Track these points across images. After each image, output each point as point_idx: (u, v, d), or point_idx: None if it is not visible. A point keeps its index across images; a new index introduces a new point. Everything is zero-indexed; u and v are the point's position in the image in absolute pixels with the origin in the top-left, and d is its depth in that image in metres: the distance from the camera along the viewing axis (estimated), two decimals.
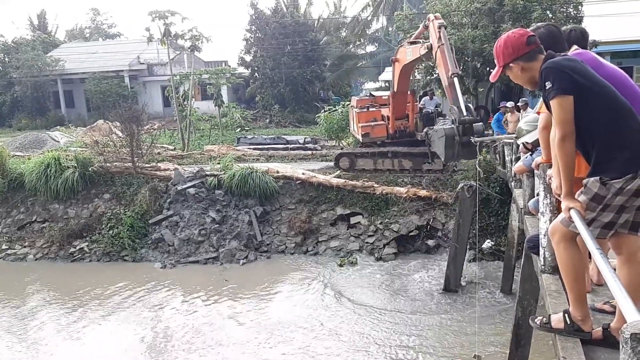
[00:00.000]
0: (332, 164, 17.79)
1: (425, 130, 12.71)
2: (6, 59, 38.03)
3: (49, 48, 40.39)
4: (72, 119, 35.15)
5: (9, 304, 12.68)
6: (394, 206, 14.98)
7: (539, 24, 3.64)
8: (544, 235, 4.28)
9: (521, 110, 14.12)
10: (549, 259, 4.29)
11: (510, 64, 3.23)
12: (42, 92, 36.40)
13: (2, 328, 11.35)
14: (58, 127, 31.58)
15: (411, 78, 16.63)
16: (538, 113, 4.09)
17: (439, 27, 11.98)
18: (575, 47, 3.78)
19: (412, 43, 14.14)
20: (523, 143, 5.28)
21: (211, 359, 9.57)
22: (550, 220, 3.97)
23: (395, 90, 15.70)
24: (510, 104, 14.90)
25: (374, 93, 20.83)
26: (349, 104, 19.21)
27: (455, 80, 11.43)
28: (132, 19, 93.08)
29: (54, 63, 36.26)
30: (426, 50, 12.72)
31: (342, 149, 19.67)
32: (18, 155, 20.60)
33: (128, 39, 47.82)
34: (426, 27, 13.75)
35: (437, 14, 12.95)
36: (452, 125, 11.09)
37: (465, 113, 10.96)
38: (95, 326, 11.21)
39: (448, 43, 12.17)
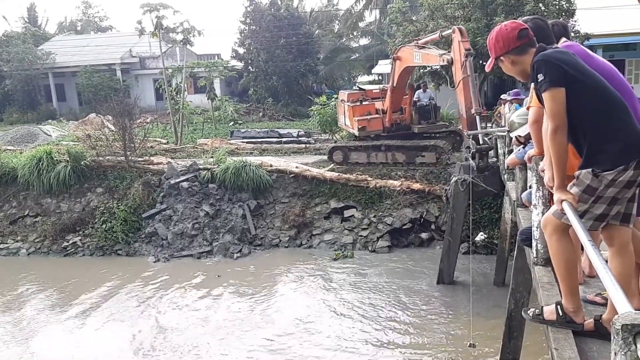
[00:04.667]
0: (325, 157, 17.76)
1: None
2: None
3: (39, 41, 39.99)
4: (64, 113, 34.92)
5: (1, 298, 12.62)
6: (387, 199, 15.00)
7: (526, 17, 3.64)
8: (537, 228, 4.31)
9: (508, 103, 14.04)
10: (542, 251, 4.31)
11: (501, 57, 3.24)
12: (33, 86, 36.08)
13: None
14: (50, 120, 31.42)
15: None
16: (528, 108, 4.10)
17: (467, 55, 12.02)
18: (564, 39, 3.79)
19: (420, 47, 14.05)
20: (516, 136, 5.29)
21: (204, 353, 9.58)
22: (543, 213, 3.99)
23: (394, 85, 15.69)
24: (505, 96, 14.60)
25: (362, 86, 20.76)
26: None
27: (477, 118, 11.85)
28: (124, 12, 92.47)
29: (45, 56, 35.94)
30: (445, 63, 12.81)
31: (335, 142, 19.63)
32: (10, 149, 20.47)
33: (120, 32, 47.43)
34: (442, 37, 13.69)
35: (462, 28, 12.65)
36: (470, 161, 11.63)
37: (482, 141, 11.66)
38: (88, 320, 11.17)
39: (473, 74, 12.44)
